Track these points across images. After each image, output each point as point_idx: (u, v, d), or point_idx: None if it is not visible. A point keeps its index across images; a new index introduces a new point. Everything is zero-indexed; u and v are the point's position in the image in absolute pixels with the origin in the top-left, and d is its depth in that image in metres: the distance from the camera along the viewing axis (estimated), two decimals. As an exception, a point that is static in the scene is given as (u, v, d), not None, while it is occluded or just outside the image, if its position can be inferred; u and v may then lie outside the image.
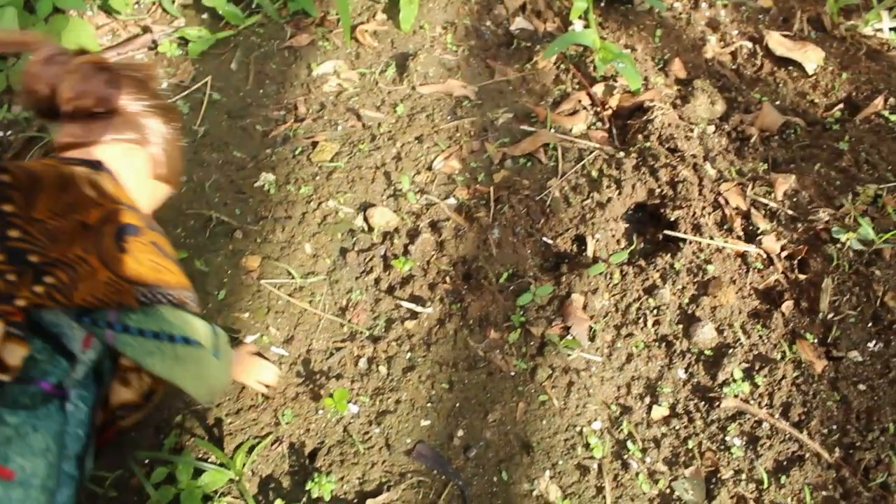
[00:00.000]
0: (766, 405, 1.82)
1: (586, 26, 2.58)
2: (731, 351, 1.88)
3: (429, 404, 1.82)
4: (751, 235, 2.07)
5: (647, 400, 1.84)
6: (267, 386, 1.79)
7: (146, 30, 2.71)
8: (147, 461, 1.72)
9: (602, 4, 2.74)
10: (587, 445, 1.76)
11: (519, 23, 2.67)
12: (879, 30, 2.59)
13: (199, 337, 1.29)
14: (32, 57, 1.31)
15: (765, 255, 2.03)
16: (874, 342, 1.90)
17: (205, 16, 2.78)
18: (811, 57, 2.53)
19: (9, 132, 2.36)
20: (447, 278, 2.00)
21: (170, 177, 1.49)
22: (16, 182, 1.16)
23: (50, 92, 1.30)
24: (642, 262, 2.01)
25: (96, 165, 1.30)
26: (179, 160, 1.52)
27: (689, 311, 1.94)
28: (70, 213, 1.18)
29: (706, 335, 1.90)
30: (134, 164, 1.40)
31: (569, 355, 1.87)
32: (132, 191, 1.36)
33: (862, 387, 1.84)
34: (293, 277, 2.02)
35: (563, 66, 2.52)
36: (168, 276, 1.26)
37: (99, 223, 1.19)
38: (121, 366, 1.38)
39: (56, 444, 1.17)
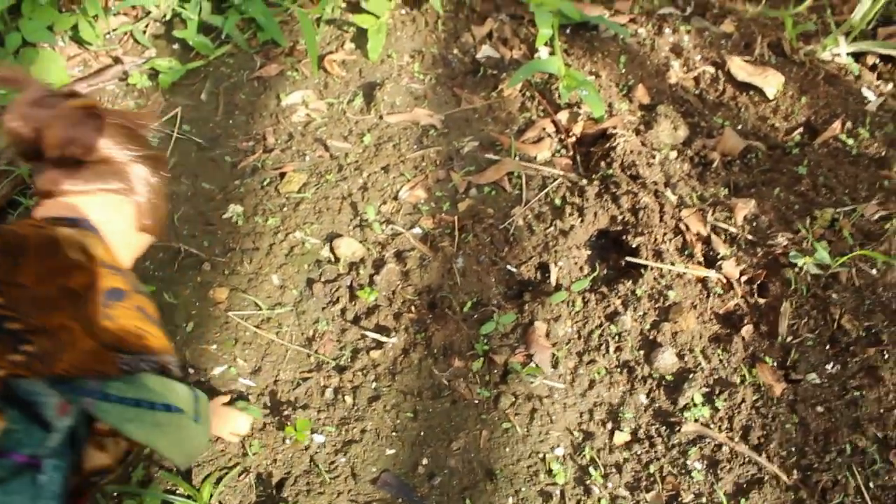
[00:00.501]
0: (727, 429, 1.85)
1: (552, 53, 2.62)
2: (691, 376, 1.91)
3: (394, 433, 1.84)
4: (711, 261, 2.11)
5: (610, 426, 1.87)
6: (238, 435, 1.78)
7: (117, 60, 2.74)
8: (115, 494, 1.74)
9: (568, 31, 2.79)
10: (550, 472, 1.79)
11: (485, 51, 2.71)
12: (837, 55, 2.65)
13: (180, 403, 1.26)
14: (19, 96, 1.24)
15: (725, 280, 2.07)
16: (832, 364, 1.94)
17: (175, 46, 2.81)
18: (772, 82, 2.58)
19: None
20: (412, 308, 2.03)
21: (154, 227, 1.44)
22: (2, 246, 1.13)
23: (36, 135, 1.24)
24: (604, 289, 2.05)
25: (83, 224, 1.25)
26: (164, 210, 1.47)
27: (651, 337, 1.98)
28: (55, 279, 1.14)
29: (667, 360, 1.94)
30: (119, 216, 1.34)
31: (532, 382, 1.90)
32: (116, 244, 1.32)
33: (820, 409, 1.88)
34: (260, 309, 2.04)
35: (528, 94, 2.56)
36: (152, 341, 1.23)
37: (84, 289, 1.16)
38: (96, 430, 1.31)
39: None
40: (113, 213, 1.33)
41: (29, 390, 1.11)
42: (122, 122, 1.32)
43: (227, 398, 1.84)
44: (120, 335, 1.17)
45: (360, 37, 2.73)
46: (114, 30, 2.83)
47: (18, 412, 1.10)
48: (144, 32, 2.84)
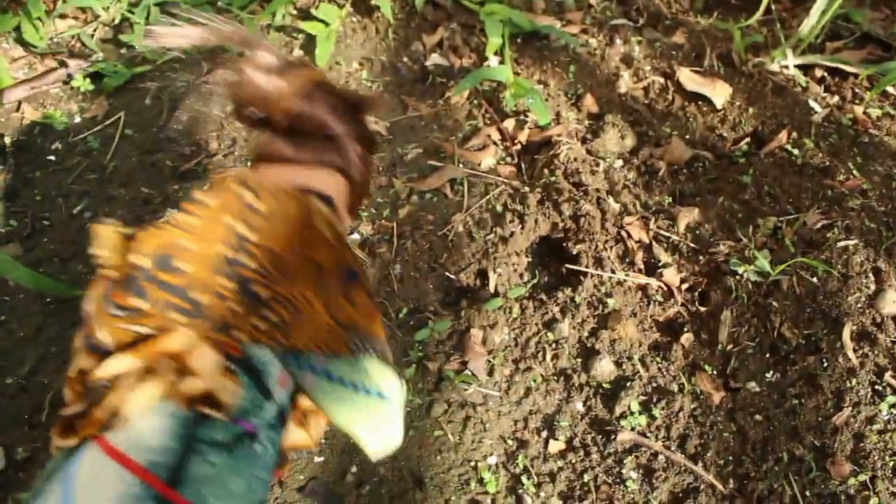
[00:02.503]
0: (663, 437, 1.83)
1: (501, 62, 2.61)
2: (629, 384, 1.89)
3: (323, 440, 1.80)
4: (652, 268, 2.09)
5: (545, 434, 1.84)
6: None
7: (63, 64, 2.70)
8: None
9: (519, 41, 2.78)
10: (481, 480, 1.76)
11: (435, 59, 2.70)
12: (785, 67, 2.66)
13: (391, 392, 1.18)
14: (250, 60, 1.16)
15: (665, 288, 2.06)
16: (771, 372, 1.93)
17: (123, 51, 2.77)
18: (720, 92, 2.58)
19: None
20: (347, 314, 1.99)
21: (356, 207, 1.38)
22: (265, 210, 1.07)
23: (265, 103, 1.18)
24: (543, 296, 2.02)
25: (329, 201, 1.18)
26: (367, 193, 1.40)
27: (589, 345, 1.96)
28: (305, 250, 1.09)
29: (605, 368, 1.91)
30: (336, 194, 1.27)
31: (466, 390, 1.87)
32: None
33: (758, 417, 1.86)
34: (193, 314, 2.00)
35: (475, 102, 2.55)
36: (377, 326, 1.18)
37: (329, 265, 1.11)
38: (299, 406, 1.24)
39: (248, 487, 1.07)
40: (331, 189, 1.25)
41: (262, 360, 1.06)
42: (349, 100, 1.26)
43: None
44: (354, 316, 1.12)
45: (310, 44, 2.70)
46: (61, 33, 2.79)
47: (249, 379, 1.05)
48: (92, 36, 2.80)
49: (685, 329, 1.99)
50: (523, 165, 2.36)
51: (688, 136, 2.49)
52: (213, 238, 1.03)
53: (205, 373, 0.99)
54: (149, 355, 1.00)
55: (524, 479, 1.76)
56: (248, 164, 1.24)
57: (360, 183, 1.32)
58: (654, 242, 2.13)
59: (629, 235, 2.12)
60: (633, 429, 1.84)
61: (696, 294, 2.06)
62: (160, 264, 1.01)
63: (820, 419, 1.85)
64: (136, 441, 0.97)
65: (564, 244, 2.11)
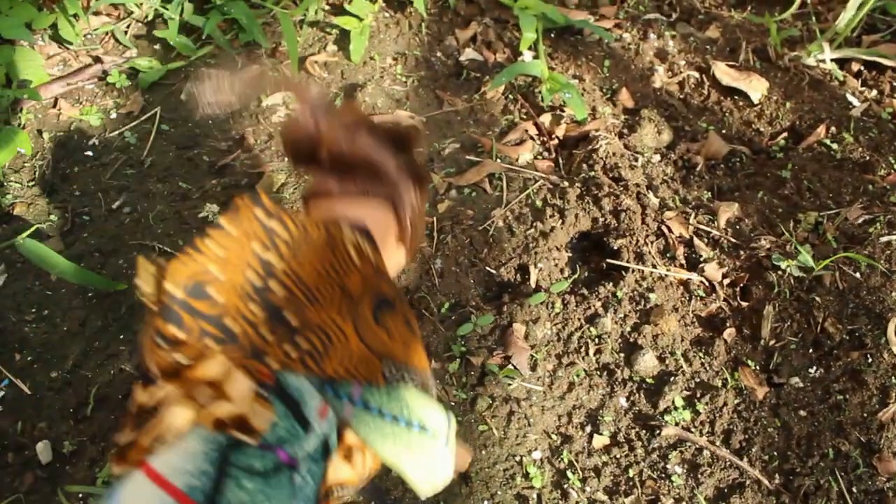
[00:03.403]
0: (708, 433, 1.82)
1: (535, 57, 2.60)
2: (672, 379, 1.88)
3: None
4: (693, 263, 2.08)
5: (588, 429, 1.83)
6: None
7: (97, 60, 2.71)
8: (80, 495, 1.69)
9: (552, 36, 2.77)
10: (526, 475, 1.75)
11: (469, 54, 2.69)
12: (822, 61, 2.64)
13: (433, 425, 1.16)
14: (299, 104, 1.27)
15: (707, 283, 2.05)
16: (815, 368, 1.91)
17: (157, 47, 2.78)
18: (756, 86, 2.56)
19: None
20: (389, 308, 1.99)
21: (411, 245, 1.41)
22: (289, 235, 1.09)
23: (314, 141, 1.26)
24: (585, 291, 2.02)
25: (363, 230, 1.21)
26: (422, 230, 1.46)
27: (631, 340, 1.95)
28: (334, 277, 1.10)
29: (648, 363, 1.90)
30: (383, 224, 1.31)
31: (509, 385, 1.87)
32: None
33: (803, 413, 1.85)
34: (235, 308, 2.00)
35: (511, 97, 2.54)
36: (416, 356, 1.18)
37: (359, 291, 1.12)
38: (345, 441, 1.21)
39: None
40: (378, 219, 1.29)
41: (296, 388, 1.07)
42: (396, 135, 1.32)
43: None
44: (388, 344, 1.13)
45: (343, 39, 2.70)
46: (95, 30, 2.80)
47: (285, 408, 1.06)
48: (126, 32, 2.81)
49: (727, 324, 1.98)
50: (561, 160, 2.36)
51: (724, 131, 2.48)
52: (242, 265, 1.05)
53: (237, 398, 1.00)
54: (188, 383, 1.02)
55: (569, 473, 1.75)
56: (301, 203, 1.29)
57: (410, 213, 1.34)
58: (694, 237, 2.12)
59: (670, 230, 2.11)
60: (677, 424, 1.83)
61: (738, 289, 2.05)
62: (193, 293, 1.03)
63: (865, 415, 1.83)
64: (175, 465, 0.97)
65: (605, 239, 2.10)
